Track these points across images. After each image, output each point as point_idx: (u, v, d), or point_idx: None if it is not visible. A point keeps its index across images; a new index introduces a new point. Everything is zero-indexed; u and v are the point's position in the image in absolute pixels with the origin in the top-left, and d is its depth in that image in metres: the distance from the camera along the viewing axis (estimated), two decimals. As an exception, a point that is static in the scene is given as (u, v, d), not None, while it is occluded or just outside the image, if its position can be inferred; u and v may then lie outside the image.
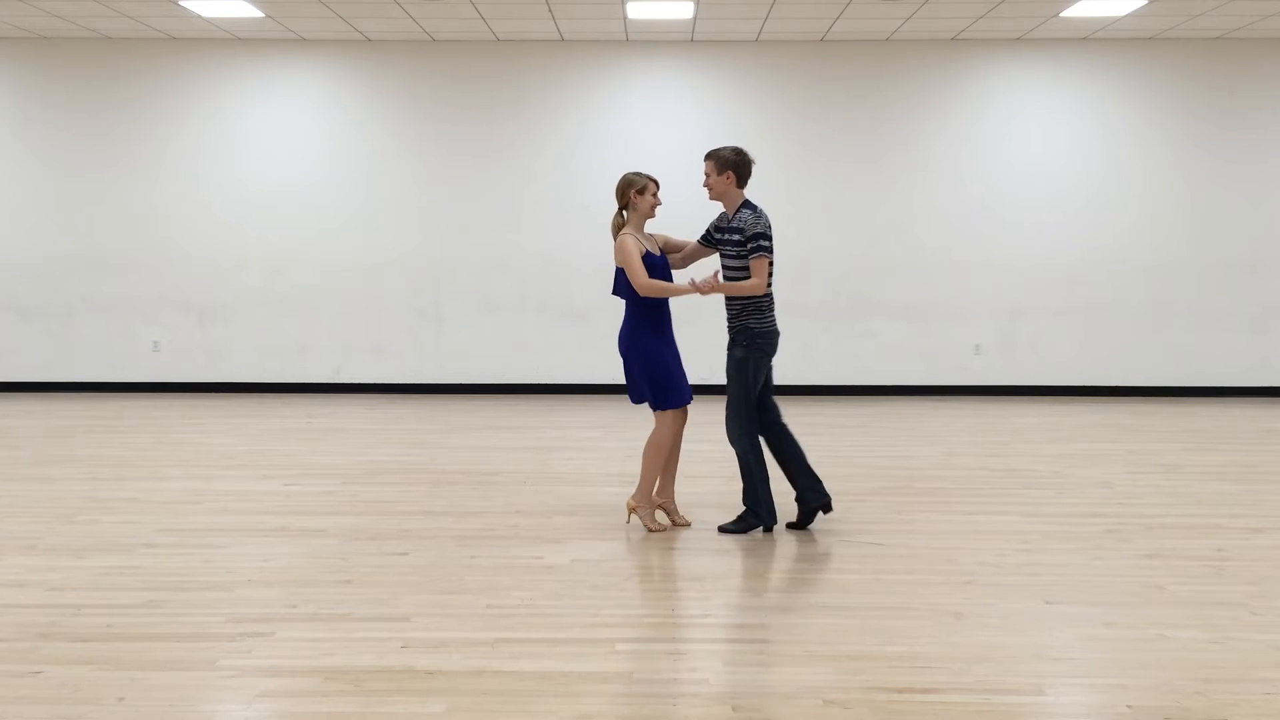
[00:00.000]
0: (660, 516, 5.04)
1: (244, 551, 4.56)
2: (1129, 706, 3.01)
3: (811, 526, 4.98)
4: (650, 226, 4.95)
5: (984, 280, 9.79)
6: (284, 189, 9.81)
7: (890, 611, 3.80)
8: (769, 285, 4.78)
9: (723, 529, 4.92)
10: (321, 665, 3.28)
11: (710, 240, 4.96)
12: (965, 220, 9.76)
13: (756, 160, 4.90)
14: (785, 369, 9.96)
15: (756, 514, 4.89)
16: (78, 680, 3.15)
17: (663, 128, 9.60)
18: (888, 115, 9.71)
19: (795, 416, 8.56)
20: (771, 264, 4.75)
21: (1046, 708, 3.05)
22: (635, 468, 6.02)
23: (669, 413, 4.84)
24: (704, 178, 4.86)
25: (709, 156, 4.82)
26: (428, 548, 4.62)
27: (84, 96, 9.75)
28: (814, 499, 4.92)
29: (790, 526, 4.98)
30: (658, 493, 5.00)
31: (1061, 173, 9.72)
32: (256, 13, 8.63)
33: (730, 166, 4.77)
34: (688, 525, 5.01)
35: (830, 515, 5.10)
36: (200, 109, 9.76)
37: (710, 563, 4.47)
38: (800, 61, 9.68)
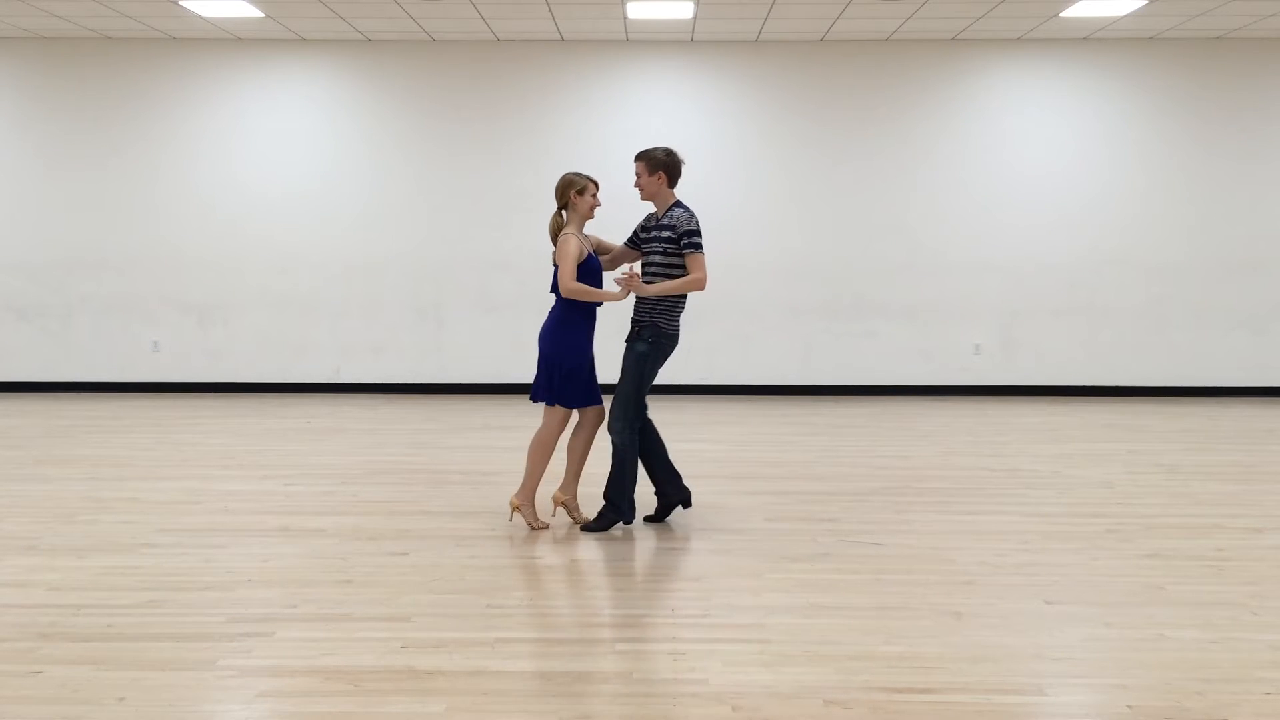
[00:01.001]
0: (556, 514, 5.10)
1: (244, 551, 4.56)
2: (1129, 706, 3.01)
3: (809, 527, 4.99)
4: (590, 228, 5.06)
5: (984, 280, 9.79)
6: (284, 189, 9.81)
7: (890, 611, 3.80)
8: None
9: (585, 528, 4.92)
10: (321, 665, 3.28)
11: (636, 242, 5.03)
12: (965, 220, 9.76)
13: (686, 161, 4.98)
14: (785, 369, 10.04)
15: (618, 508, 4.91)
16: (78, 680, 3.16)
17: (663, 128, 9.57)
18: (888, 115, 9.71)
19: (795, 416, 8.63)
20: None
21: (1046, 708, 3.05)
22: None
23: (559, 412, 4.85)
24: (635, 178, 4.92)
25: (640, 157, 4.89)
26: (428, 548, 4.62)
27: (84, 96, 9.75)
28: (674, 493, 5.05)
29: (648, 519, 5.06)
30: (562, 489, 5.02)
31: (1061, 173, 9.72)
32: (256, 13, 8.63)
33: (661, 167, 4.85)
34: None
35: (830, 515, 5.12)
36: (200, 109, 9.76)
37: (710, 562, 4.47)
38: (800, 61, 9.68)
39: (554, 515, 5.10)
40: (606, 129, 9.71)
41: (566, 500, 5.01)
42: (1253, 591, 4.04)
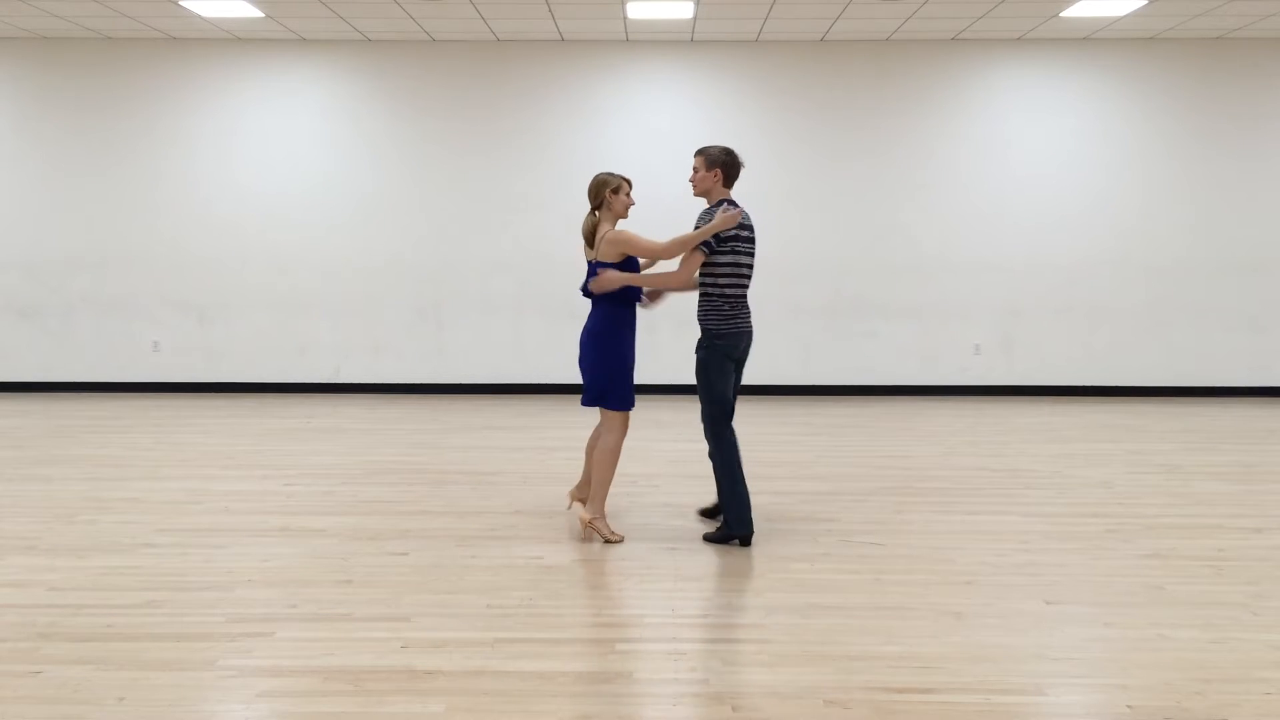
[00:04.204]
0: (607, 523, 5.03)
1: (244, 551, 4.56)
2: (1129, 706, 3.01)
3: (809, 527, 4.99)
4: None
5: (984, 280, 9.79)
6: (284, 189, 9.81)
7: (890, 611, 3.81)
8: (740, 284, 4.70)
9: (708, 538, 4.82)
10: (321, 665, 3.28)
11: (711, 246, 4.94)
12: (965, 220, 9.76)
13: (746, 164, 4.86)
14: (786, 369, 10.04)
15: (728, 522, 4.76)
16: (78, 680, 3.16)
17: (663, 127, 9.60)
18: (888, 115, 9.71)
19: (795, 416, 8.63)
20: (751, 265, 4.72)
21: (1046, 708, 3.05)
22: (635, 468, 6.04)
23: (620, 415, 4.73)
24: (692, 172, 4.79)
25: (699, 153, 4.78)
26: (428, 548, 4.62)
27: (84, 96, 9.74)
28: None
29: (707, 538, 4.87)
30: (578, 486, 5.01)
31: (1061, 172, 9.72)
32: (256, 13, 8.63)
33: (718, 164, 4.73)
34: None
35: (830, 515, 5.13)
36: (200, 109, 9.76)
37: (710, 563, 4.47)
38: (800, 61, 9.68)
39: (569, 509, 5.12)
40: (606, 129, 9.71)
41: (582, 497, 5.01)
42: (1253, 591, 4.04)
